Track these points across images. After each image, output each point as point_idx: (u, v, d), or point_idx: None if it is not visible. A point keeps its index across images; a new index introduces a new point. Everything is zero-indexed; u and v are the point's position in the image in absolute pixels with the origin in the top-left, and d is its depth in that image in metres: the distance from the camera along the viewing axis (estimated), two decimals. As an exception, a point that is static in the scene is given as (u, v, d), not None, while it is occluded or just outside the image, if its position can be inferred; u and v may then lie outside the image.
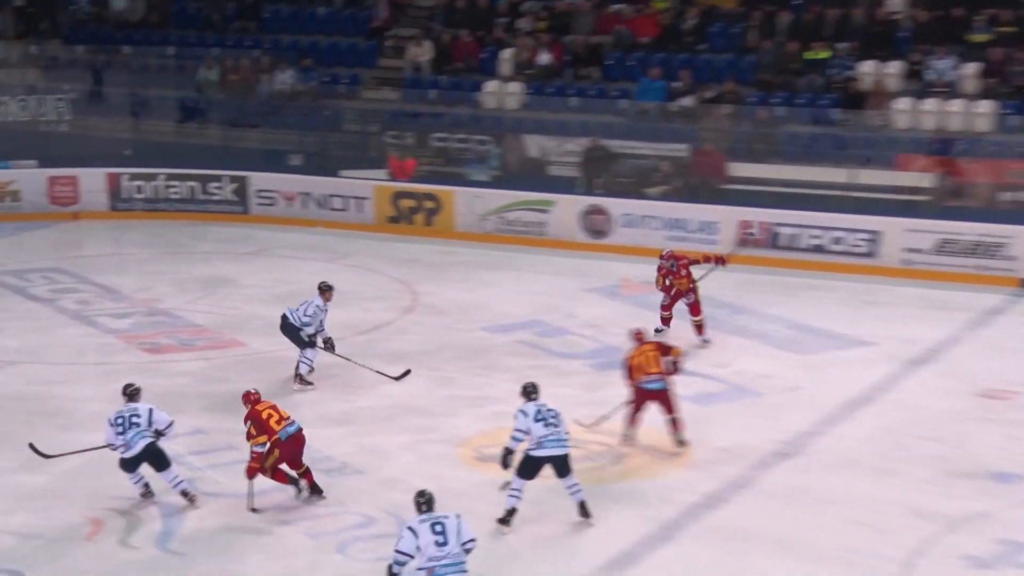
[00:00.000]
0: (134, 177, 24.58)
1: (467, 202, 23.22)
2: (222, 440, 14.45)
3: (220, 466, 13.94)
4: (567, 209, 22.85)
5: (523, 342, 17.96)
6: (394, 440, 14.65)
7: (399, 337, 18.19)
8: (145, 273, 20.67)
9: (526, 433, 12.41)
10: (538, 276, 21.22)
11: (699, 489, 13.21)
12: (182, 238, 22.95)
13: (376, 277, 20.96)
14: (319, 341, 16.42)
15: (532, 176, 24.00)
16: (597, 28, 26.10)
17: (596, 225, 22.66)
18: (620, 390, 14.62)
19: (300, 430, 13.03)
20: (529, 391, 12.48)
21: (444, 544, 10.27)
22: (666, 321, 17.92)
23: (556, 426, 12.43)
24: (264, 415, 12.91)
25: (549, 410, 12.48)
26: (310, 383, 16.35)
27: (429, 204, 23.65)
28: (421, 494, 10.62)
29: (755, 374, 16.64)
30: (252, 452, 12.84)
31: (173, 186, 24.60)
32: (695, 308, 17.75)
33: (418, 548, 10.27)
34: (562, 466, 12.46)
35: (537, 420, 12.39)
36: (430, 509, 10.51)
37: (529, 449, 12.45)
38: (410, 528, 10.43)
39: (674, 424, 14.25)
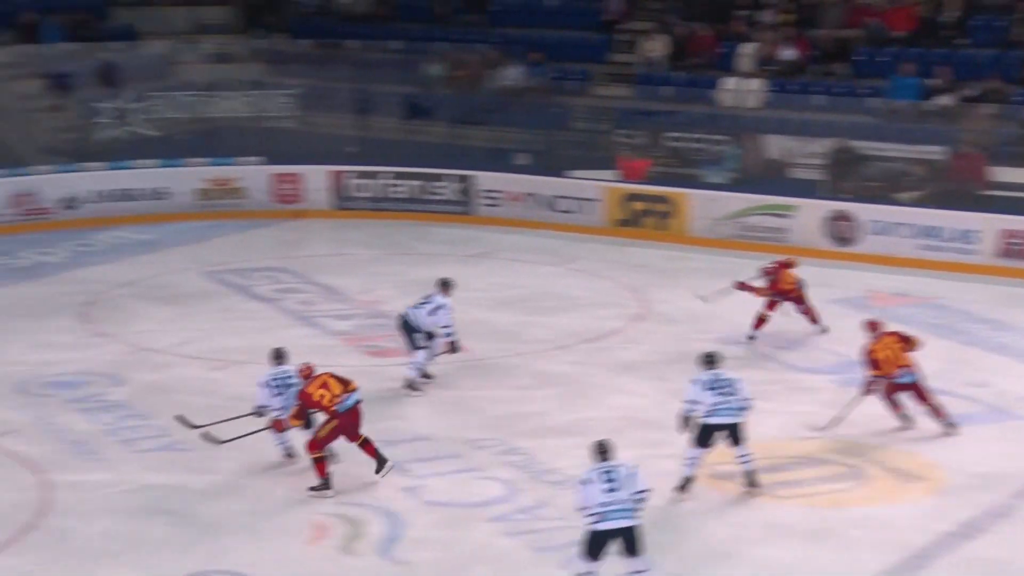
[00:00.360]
0: (359, 175, 25.19)
1: (702, 205, 23.14)
2: (446, 448, 14.75)
3: (444, 475, 14.25)
4: (810, 214, 22.61)
5: (761, 355, 17.88)
6: (621, 454, 14.69)
7: (629, 346, 18.24)
8: (368, 274, 21.15)
9: (696, 403, 13.35)
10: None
11: (953, 517, 12.93)
12: (405, 239, 23.42)
13: (604, 283, 21.07)
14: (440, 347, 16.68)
15: (772, 179, 23.80)
16: (846, 21, 25.76)
17: (841, 232, 22.39)
18: (865, 408, 14.53)
19: (358, 403, 13.76)
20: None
21: (614, 491, 11.27)
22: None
23: (730, 395, 13.35)
24: (316, 397, 13.58)
25: (724, 379, 13.45)
26: (419, 390, 16.57)
27: (661, 207, 23.66)
28: (599, 444, 11.72)
29: (1017, 396, 16.24)
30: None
31: (397, 185, 25.12)
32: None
33: (589, 497, 11.32)
34: (735, 435, 13.29)
35: (709, 389, 13.34)
36: (605, 458, 11.55)
37: (702, 417, 13.33)
38: (582, 481, 11.47)
39: (936, 412, 14.50)
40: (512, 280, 21.34)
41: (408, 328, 16.59)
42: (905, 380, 14.49)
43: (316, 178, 25.12)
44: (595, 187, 24.25)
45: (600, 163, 25.11)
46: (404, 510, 13.41)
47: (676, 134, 25.25)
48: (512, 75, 26.82)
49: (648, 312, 19.75)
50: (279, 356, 14.58)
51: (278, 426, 14.02)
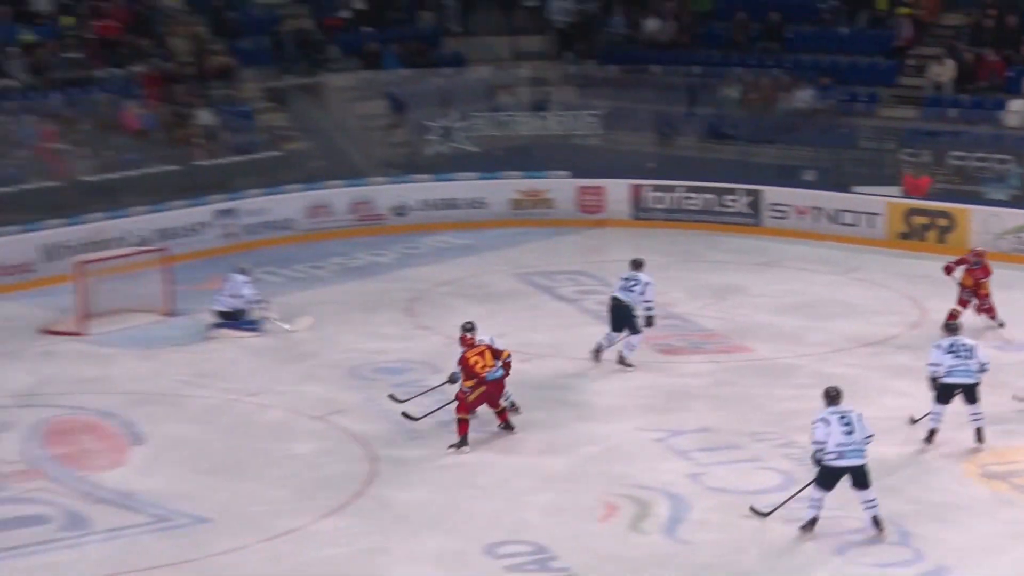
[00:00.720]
0: (656, 188, 25.28)
1: (983, 221, 22.44)
2: (728, 439, 14.73)
3: (725, 464, 14.22)
4: (1091, 231, 21.77)
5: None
6: (895, 451, 14.46)
7: (904, 351, 17.84)
8: (661, 279, 21.09)
9: (938, 365, 13.94)
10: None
11: None
12: (696, 247, 23.41)
13: (883, 292, 20.66)
14: (642, 322, 17.27)
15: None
16: None
17: (1120, 248, 21.45)
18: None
19: (503, 376, 14.73)
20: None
21: (851, 433, 12.11)
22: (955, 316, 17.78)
23: (968, 359, 13.86)
24: (471, 362, 14.48)
25: (963, 344, 13.97)
26: (632, 365, 17.09)
27: (942, 222, 23.05)
28: (832, 389, 12.46)
29: None
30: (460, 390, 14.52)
31: (691, 198, 25.12)
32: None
33: (828, 435, 12.11)
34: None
35: (948, 352, 13.92)
36: (837, 403, 12.28)
37: (943, 377, 13.89)
38: (822, 419, 12.23)
39: None
40: (796, 287, 21.12)
41: (620, 311, 17.18)
42: None
43: (618, 191, 25.31)
44: (879, 202, 23.78)
45: (884, 179, 24.63)
46: (688, 494, 13.43)
47: (960, 153, 24.58)
48: (803, 97, 26.55)
49: (925, 320, 19.27)
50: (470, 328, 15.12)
51: (460, 410, 14.62)
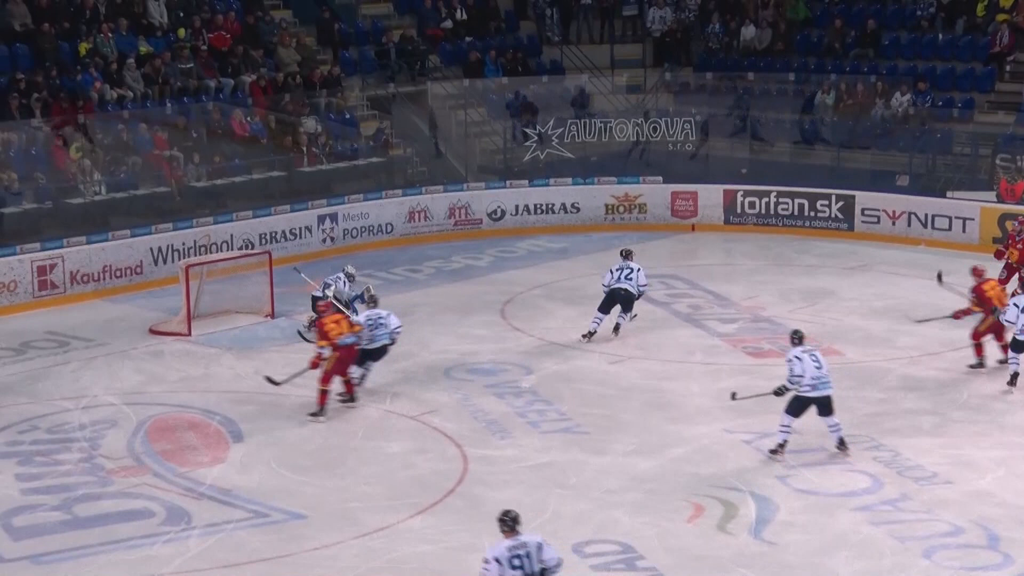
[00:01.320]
0: (748, 194, 25.03)
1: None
2: (816, 442, 14.52)
3: (812, 465, 14.07)
4: None
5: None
6: (987, 454, 14.20)
7: (997, 353, 17.44)
8: (752, 282, 21.04)
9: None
10: None
11: None
12: (788, 251, 23.12)
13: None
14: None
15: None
16: None
17: None
18: None
19: (356, 343, 15.61)
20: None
21: (820, 367, 13.99)
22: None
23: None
24: (327, 328, 15.36)
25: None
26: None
27: (1037, 227, 22.60)
28: (797, 331, 14.43)
29: None
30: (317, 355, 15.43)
31: (783, 203, 24.83)
32: None
33: (804, 370, 13.88)
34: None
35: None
36: (803, 342, 14.11)
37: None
38: (796, 356, 13.99)
39: None
40: (887, 291, 20.79)
41: (626, 298, 18.28)
42: None
43: (710, 196, 25.09)
44: (973, 207, 23.35)
45: (979, 185, 24.24)
46: (775, 495, 13.33)
47: (1058, 159, 24.11)
48: (899, 103, 26.14)
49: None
50: (373, 300, 16.48)
51: (312, 365, 15.56)
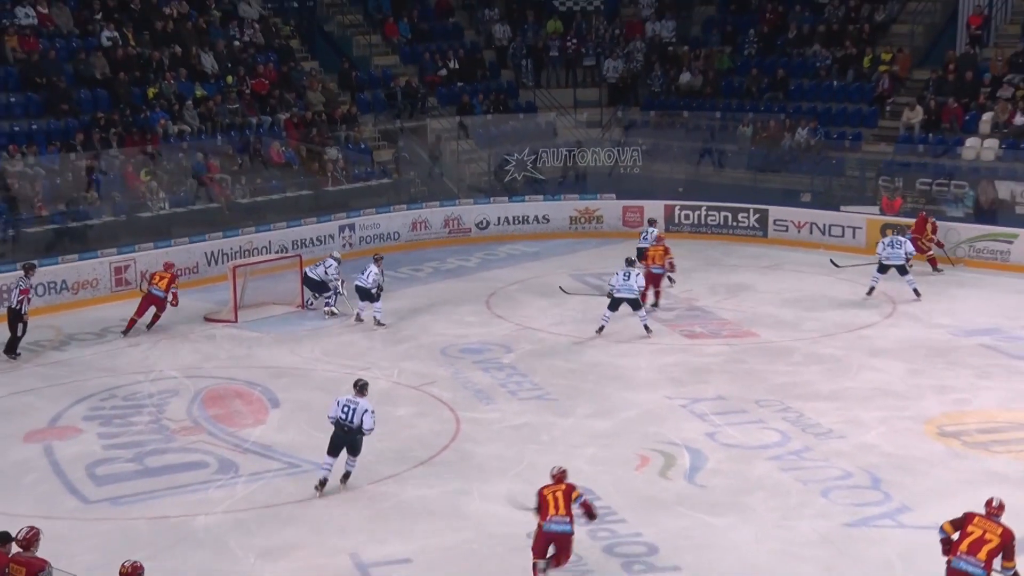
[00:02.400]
0: (684, 208, 24.95)
1: (944, 234, 21.89)
2: (737, 405, 14.59)
3: (734, 424, 14.12)
4: (1029, 241, 21.23)
5: (984, 345, 16.90)
6: (871, 415, 14.28)
7: (880, 335, 17.60)
8: (687, 279, 21.06)
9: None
10: (1000, 294, 19.80)
11: None
12: (715, 254, 23.11)
13: (864, 289, 20.21)
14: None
15: (1001, 214, 22.40)
16: (1069, 94, 23.97)
17: (1055, 254, 20.91)
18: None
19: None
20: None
21: (627, 280, 17.24)
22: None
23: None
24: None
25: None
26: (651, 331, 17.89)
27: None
28: (629, 259, 17.41)
29: None
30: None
31: (712, 215, 24.76)
32: None
33: (617, 280, 17.21)
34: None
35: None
36: (631, 266, 17.04)
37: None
38: (616, 273, 17.18)
39: None
40: (794, 285, 20.77)
41: (632, 301, 17.61)
42: None
43: (654, 210, 24.86)
44: (860, 218, 23.33)
45: (866, 201, 24.16)
46: (705, 448, 13.39)
47: (926, 180, 24.01)
48: (802, 136, 26.14)
49: (896, 311, 18.95)
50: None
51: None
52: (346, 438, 12.25)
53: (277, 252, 21.86)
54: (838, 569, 10.60)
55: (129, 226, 21.79)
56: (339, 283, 19.06)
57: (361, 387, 12.40)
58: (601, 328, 17.59)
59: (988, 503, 9.52)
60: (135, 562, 8.81)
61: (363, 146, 26.34)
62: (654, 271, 19.07)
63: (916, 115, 25.22)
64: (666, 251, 19.37)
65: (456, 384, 15.72)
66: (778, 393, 15.04)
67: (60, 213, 21.31)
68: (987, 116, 24.35)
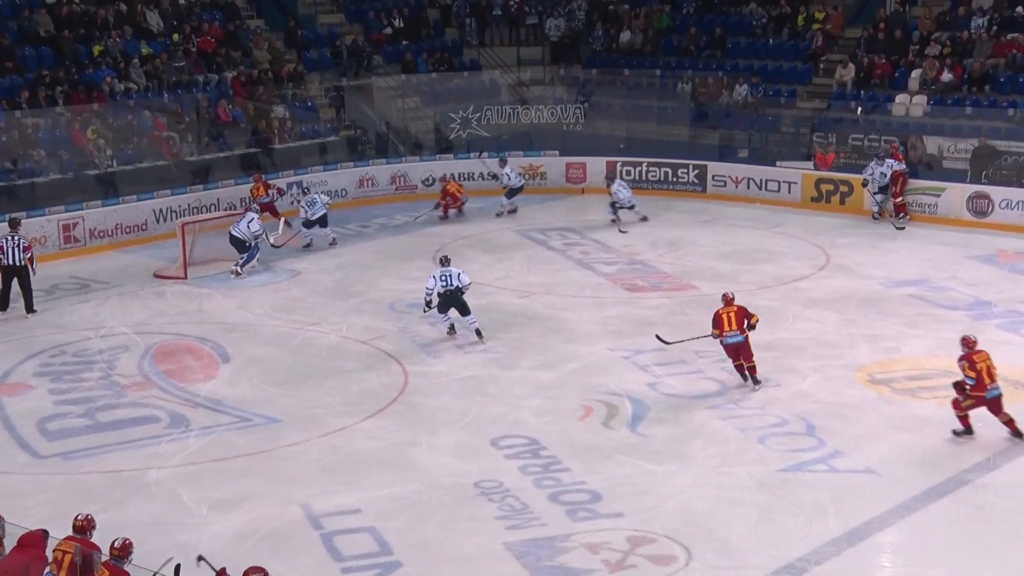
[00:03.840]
0: (625, 164, 24.91)
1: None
2: (678, 357, 14.61)
3: (675, 375, 14.18)
4: (956, 194, 21.40)
5: (913, 295, 17.11)
6: (805, 364, 14.42)
7: (814, 286, 17.75)
8: (629, 233, 21.07)
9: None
10: (928, 245, 20.03)
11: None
12: (657, 209, 23.02)
13: (799, 242, 20.47)
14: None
15: (929, 168, 22.65)
16: (994, 52, 24.16)
17: (979, 207, 21.14)
18: (990, 335, 13.86)
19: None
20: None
21: (448, 284, 15.11)
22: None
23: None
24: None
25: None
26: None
27: (843, 188, 22.71)
28: (444, 257, 15.47)
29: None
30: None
31: (652, 171, 24.74)
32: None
33: (434, 286, 15.12)
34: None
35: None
36: (446, 266, 15.18)
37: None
38: (432, 276, 15.17)
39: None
40: (732, 239, 20.85)
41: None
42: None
43: (596, 166, 24.95)
44: (796, 173, 23.42)
45: (800, 156, 24.27)
46: (646, 398, 13.44)
47: (858, 136, 24.17)
48: (739, 92, 26.18)
49: (829, 263, 19.12)
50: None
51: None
52: (452, 299, 15.14)
53: (226, 209, 21.55)
54: (774, 512, 10.74)
55: (77, 184, 21.38)
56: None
57: (444, 259, 15.40)
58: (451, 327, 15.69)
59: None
60: (88, 515, 8.70)
61: (310, 104, 25.98)
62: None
63: (848, 72, 25.36)
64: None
65: (404, 338, 15.64)
66: (717, 345, 14.94)
67: (7, 170, 20.87)
68: (916, 73, 24.54)
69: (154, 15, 25.09)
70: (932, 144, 23.08)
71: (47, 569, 8.27)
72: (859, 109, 24.40)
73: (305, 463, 11.87)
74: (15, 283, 16.72)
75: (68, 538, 8.47)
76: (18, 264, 16.54)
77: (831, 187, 22.95)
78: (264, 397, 13.54)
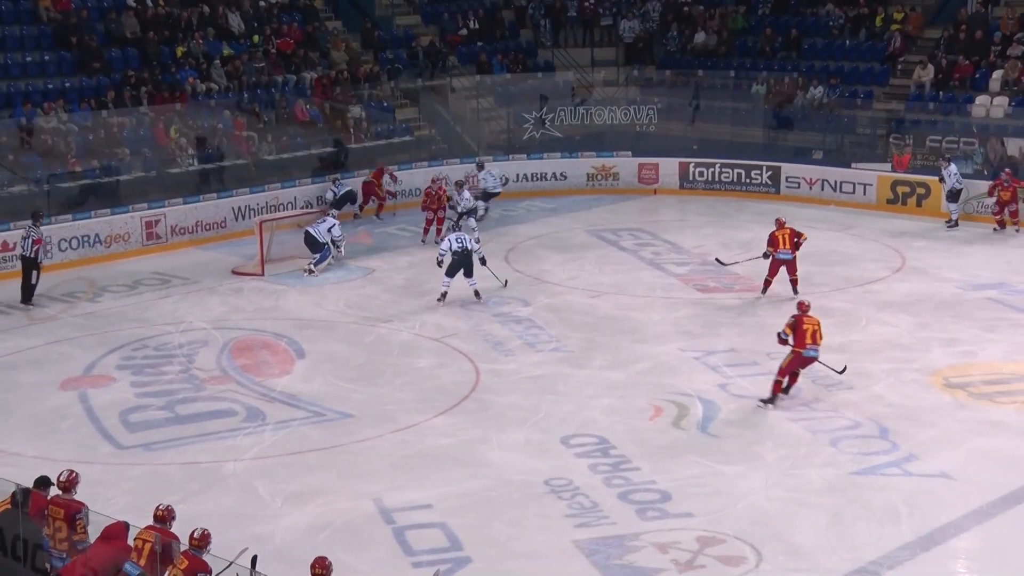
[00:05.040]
0: (698, 165, 24.79)
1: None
2: (748, 357, 14.54)
3: (746, 376, 14.08)
4: (1037, 194, 20.98)
5: (991, 299, 16.78)
6: (879, 367, 14.21)
7: (889, 289, 17.48)
8: (700, 234, 20.95)
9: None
10: (1007, 249, 19.63)
11: None
12: (729, 210, 22.91)
13: (874, 244, 20.19)
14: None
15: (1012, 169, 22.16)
16: (1080, 54, 23.63)
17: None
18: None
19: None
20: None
21: (462, 244, 16.44)
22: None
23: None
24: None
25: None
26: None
27: (920, 190, 22.38)
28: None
29: None
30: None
31: (726, 172, 24.57)
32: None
33: (449, 246, 16.47)
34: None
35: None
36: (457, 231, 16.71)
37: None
38: (447, 239, 16.58)
39: None
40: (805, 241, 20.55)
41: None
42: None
43: (669, 166, 24.83)
44: (871, 175, 23.10)
45: (877, 158, 23.92)
46: (717, 399, 13.36)
47: (936, 137, 23.75)
48: (815, 94, 25.86)
49: (905, 266, 18.81)
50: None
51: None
52: (462, 261, 16.36)
53: (303, 208, 21.81)
54: (846, 515, 10.60)
55: (159, 182, 21.77)
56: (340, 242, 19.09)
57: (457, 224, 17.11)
58: (443, 295, 16.75)
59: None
60: (168, 506, 8.87)
61: (385, 105, 26.19)
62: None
63: (927, 73, 24.93)
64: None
65: (476, 336, 15.69)
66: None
67: (92, 169, 21.33)
68: (997, 74, 24.06)
69: (235, 17, 25.50)
70: (1013, 146, 22.59)
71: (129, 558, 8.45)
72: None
73: (377, 458, 11.97)
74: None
75: (148, 527, 8.64)
76: (30, 256, 16.89)
77: (907, 189, 22.60)
78: (338, 393, 13.68)
